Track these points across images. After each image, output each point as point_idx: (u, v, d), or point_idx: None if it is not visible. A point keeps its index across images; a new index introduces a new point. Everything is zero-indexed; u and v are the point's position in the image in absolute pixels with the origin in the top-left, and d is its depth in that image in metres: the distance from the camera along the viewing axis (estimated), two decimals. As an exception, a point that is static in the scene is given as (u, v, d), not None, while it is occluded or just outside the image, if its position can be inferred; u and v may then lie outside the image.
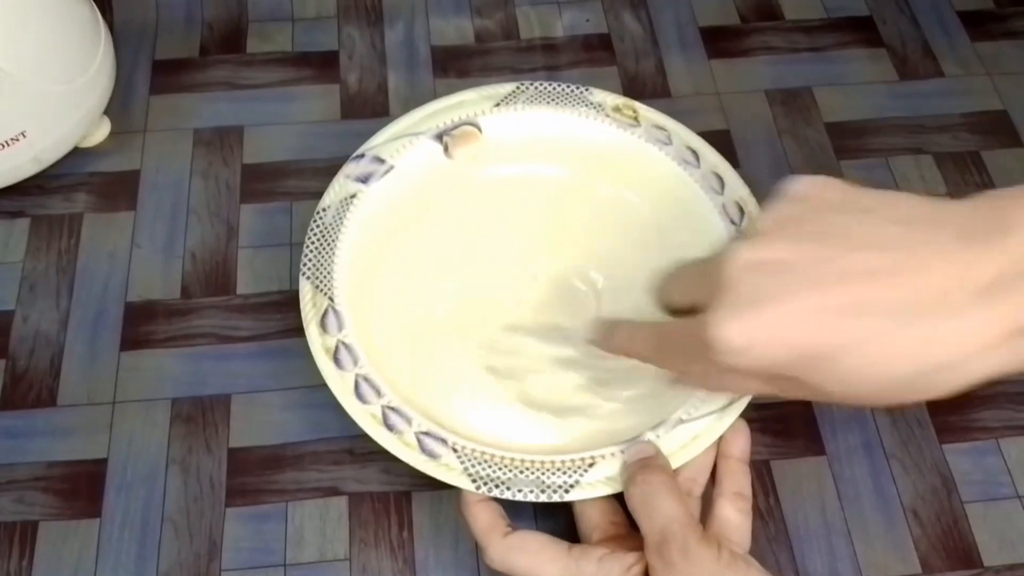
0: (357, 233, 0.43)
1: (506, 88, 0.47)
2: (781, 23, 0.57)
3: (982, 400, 0.44)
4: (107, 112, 0.50)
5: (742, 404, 0.39)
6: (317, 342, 0.39)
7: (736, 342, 0.28)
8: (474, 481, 0.36)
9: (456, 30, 0.56)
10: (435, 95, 0.49)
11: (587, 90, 0.47)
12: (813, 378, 0.29)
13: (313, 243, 0.42)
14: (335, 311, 0.40)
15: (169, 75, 0.53)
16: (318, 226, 0.43)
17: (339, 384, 0.38)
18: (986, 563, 0.40)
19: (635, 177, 0.46)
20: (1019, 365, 0.27)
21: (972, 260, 0.26)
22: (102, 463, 0.41)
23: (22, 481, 0.41)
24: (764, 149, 0.51)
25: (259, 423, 0.43)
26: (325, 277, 0.41)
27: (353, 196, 0.44)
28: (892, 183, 0.50)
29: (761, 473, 0.42)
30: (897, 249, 0.27)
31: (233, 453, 0.42)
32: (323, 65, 0.54)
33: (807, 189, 0.30)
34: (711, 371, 0.32)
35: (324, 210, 0.43)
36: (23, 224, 0.48)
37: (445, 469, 0.37)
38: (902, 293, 0.27)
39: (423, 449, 0.37)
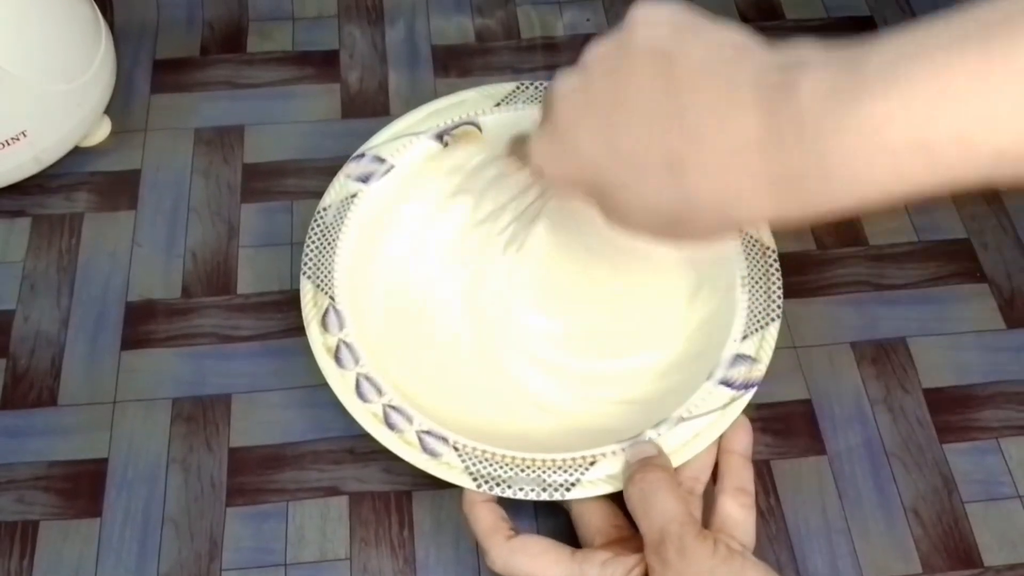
0: (358, 232, 0.43)
1: (506, 88, 0.47)
2: (781, 23, 0.57)
3: (982, 400, 0.44)
4: (108, 111, 0.50)
5: (743, 402, 0.39)
6: (318, 341, 0.39)
7: (538, 162, 0.33)
8: (475, 479, 0.37)
9: (457, 29, 0.56)
10: (436, 94, 0.49)
11: None
12: (598, 203, 0.32)
13: (314, 242, 0.42)
14: (336, 310, 0.40)
15: (170, 74, 0.53)
16: (319, 225, 0.43)
17: (340, 383, 0.38)
18: (987, 563, 0.40)
19: None
20: (773, 216, 0.28)
21: (745, 121, 0.27)
22: (103, 462, 0.42)
23: (23, 481, 0.41)
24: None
25: (260, 422, 0.43)
26: (326, 276, 0.41)
27: (353, 196, 0.44)
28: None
29: (762, 472, 0.42)
30: (682, 104, 0.29)
31: (234, 452, 0.42)
32: (324, 64, 0.54)
33: (637, 26, 0.31)
34: None
35: (325, 209, 0.43)
36: (24, 223, 0.48)
37: (446, 468, 0.37)
38: (675, 144, 0.29)
39: (424, 448, 0.37)
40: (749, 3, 0.57)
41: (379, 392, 0.38)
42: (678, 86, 0.29)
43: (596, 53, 0.32)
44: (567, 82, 0.32)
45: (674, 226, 0.31)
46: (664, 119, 0.29)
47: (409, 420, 0.38)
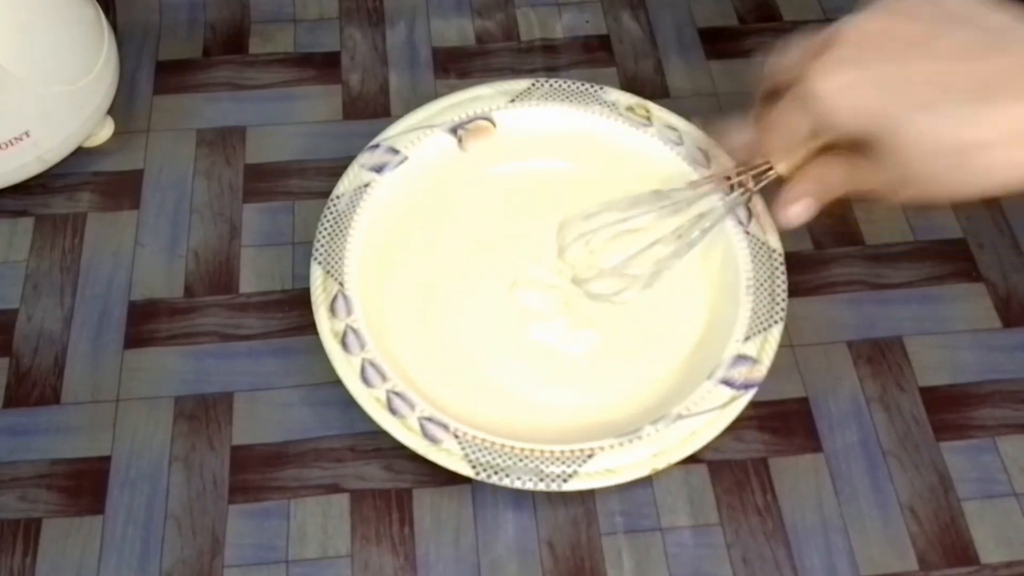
0: (369, 221, 0.44)
1: (522, 84, 0.48)
2: (780, 24, 0.57)
3: (979, 398, 0.44)
4: (111, 112, 0.50)
5: (743, 402, 0.39)
6: (326, 326, 0.40)
7: (824, 90, 0.33)
8: (474, 467, 0.37)
9: (457, 31, 0.56)
10: (436, 96, 0.49)
11: (601, 89, 0.48)
12: (880, 140, 0.32)
13: (326, 229, 0.43)
14: (345, 296, 0.41)
15: (172, 75, 0.54)
16: (331, 213, 0.43)
17: (345, 367, 0.39)
18: (983, 560, 0.40)
19: (646, 175, 0.46)
20: None
21: None
22: (106, 460, 0.42)
23: (26, 479, 0.41)
24: (763, 149, 0.52)
25: (261, 420, 0.43)
26: (336, 263, 0.42)
27: (367, 185, 0.44)
28: (890, 183, 0.51)
29: (759, 470, 0.42)
30: (977, 47, 0.32)
31: (236, 450, 0.42)
32: (325, 66, 0.55)
33: None
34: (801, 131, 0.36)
35: (338, 197, 0.44)
36: (27, 223, 0.48)
37: (445, 454, 0.37)
38: (969, 79, 0.31)
39: (425, 434, 0.38)
40: (748, 5, 0.58)
41: (383, 378, 0.39)
42: (974, 39, 0.32)
43: (888, 4, 0.34)
44: (863, 23, 0.34)
45: (957, 162, 0.31)
46: (962, 61, 0.31)
47: (411, 406, 0.38)
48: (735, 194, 0.42)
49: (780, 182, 0.41)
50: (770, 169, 0.41)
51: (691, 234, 0.42)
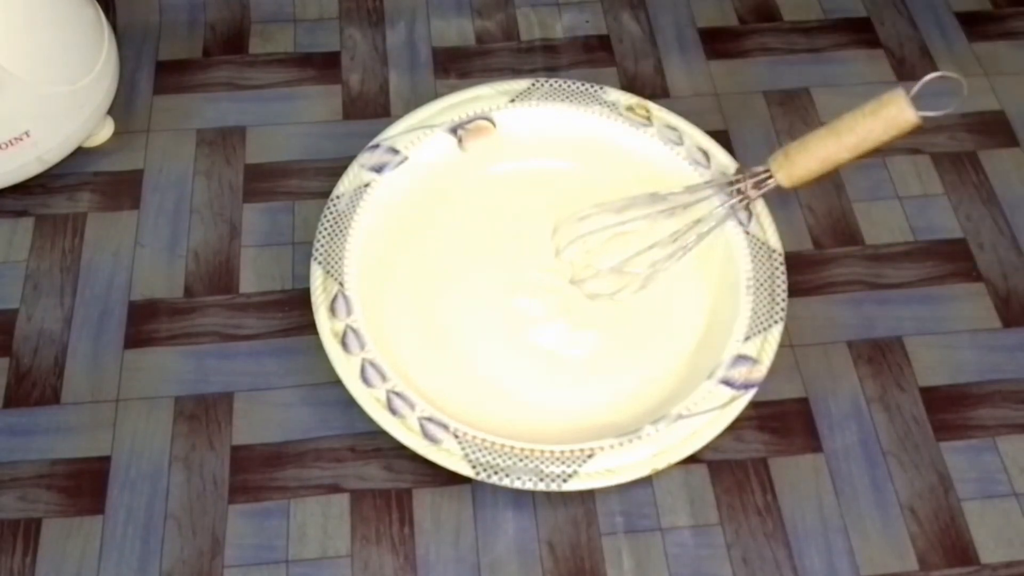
0: (369, 221, 0.44)
1: (521, 84, 0.48)
2: (779, 24, 0.57)
3: (979, 398, 0.44)
4: (111, 112, 0.50)
5: (743, 402, 0.39)
6: (326, 326, 0.40)
7: None
8: (474, 467, 0.37)
9: (457, 31, 0.56)
10: (436, 95, 0.49)
11: (601, 89, 0.48)
12: None
13: (326, 229, 0.43)
14: (344, 296, 0.41)
15: (172, 76, 0.54)
16: (331, 213, 0.43)
17: (345, 368, 0.39)
18: (983, 560, 0.40)
19: (646, 175, 0.46)
20: None
21: None
22: (106, 460, 0.42)
23: (26, 479, 0.41)
24: (762, 150, 0.52)
25: (262, 420, 0.43)
26: (336, 263, 0.42)
27: (367, 185, 0.44)
28: (889, 183, 0.51)
29: (759, 470, 0.42)
30: None
31: (236, 450, 0.42)
32: (325, 66, 0.55)
33: None
34: None
35: (338, 197, 0.44)
36: (27, 223, 0.48)
37: (446, 454, 0.37)
38: None
39: (425, 434, 0.38)
40: (748, 6, 0.58)
41: (383, 378, 0.39)
42: None
43: None
44: None
45: None
46: None
47: (411, 406, 0.38)
48: (734, 200, 0.42)
49: (779, 190, 0.42)
50: (770, 177, 0.41)
51: (688, 238, 0.42)
